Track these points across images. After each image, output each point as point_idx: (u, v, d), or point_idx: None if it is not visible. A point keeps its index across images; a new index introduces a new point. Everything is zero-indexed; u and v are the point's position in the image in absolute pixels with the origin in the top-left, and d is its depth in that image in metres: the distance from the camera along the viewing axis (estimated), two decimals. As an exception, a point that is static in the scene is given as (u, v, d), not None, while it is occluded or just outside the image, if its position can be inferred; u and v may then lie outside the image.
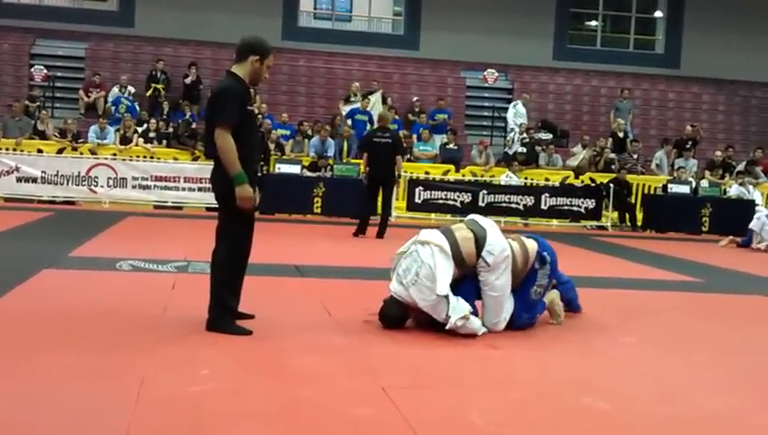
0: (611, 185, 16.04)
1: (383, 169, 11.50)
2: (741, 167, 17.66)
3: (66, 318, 5.24)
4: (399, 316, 5.34)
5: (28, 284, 6.40)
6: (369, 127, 16.11)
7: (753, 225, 13.49)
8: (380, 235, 11.48)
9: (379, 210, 12.04)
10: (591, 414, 3.80)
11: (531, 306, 5.60)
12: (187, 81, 18.24)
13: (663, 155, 18.00)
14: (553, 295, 5.91)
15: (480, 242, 5.33)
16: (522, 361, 4.86)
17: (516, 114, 18.82)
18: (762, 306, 7.54)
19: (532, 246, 5.60)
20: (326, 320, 5.66)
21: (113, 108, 17.70)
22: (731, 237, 13.80)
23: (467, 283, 5.38)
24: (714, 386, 4.50)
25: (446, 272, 5.15)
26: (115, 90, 18.24)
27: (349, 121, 17.68)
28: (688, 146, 18.13)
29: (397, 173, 11.70)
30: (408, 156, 16.92)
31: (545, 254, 5.61)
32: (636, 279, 8.78)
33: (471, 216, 5.74)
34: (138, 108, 17.78)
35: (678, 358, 5.13)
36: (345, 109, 18.24)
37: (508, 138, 18.94)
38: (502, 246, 5.37)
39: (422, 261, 5.17)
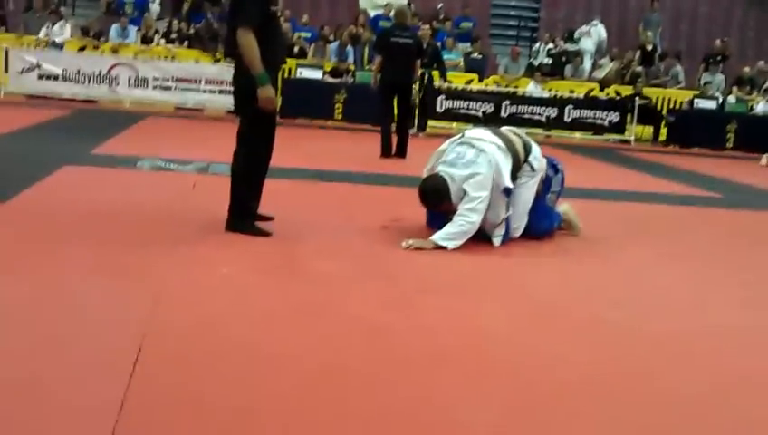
0: (636, 98, 15.82)
1: (401, 75, 9.95)
2: (769, 84, 17.35)
3: (86, 215, 5.27)
4: (439, 191, 5.05)
5: (49, 180, 6.44)
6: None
7: None
8: (402, 153, 10.01)
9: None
10: (604, 325, 3.82)
11: (548, 213, 5.65)
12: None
13: (680, 69, 17.68)
14: (566, 207, 5.92)
15: (527, 147, 5.37)
16: (537, 270, 4.87)
17: (599, 38, 18.38)
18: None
19: (543, 160, 5.61)
20: (345, 224, 5.68)
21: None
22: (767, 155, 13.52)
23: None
24: (728, 302, 4.49)
25: (506, 167, 5.09)
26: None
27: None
28: (712, 60, 17.80)
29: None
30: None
31: (556, 163, 5.72)
32: (654, 193, 8.73)
33: (507, 127, 5.69)
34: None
35: (693, 272, 5.13)
36: (370, 13, 17.78)
37: (534, 48, 18.62)
38: (542, 155, 5.48)
39: (482, 150, 5.08)
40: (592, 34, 18.51)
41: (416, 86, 11.55)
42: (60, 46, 15.37)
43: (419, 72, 11.08)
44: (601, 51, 18.49)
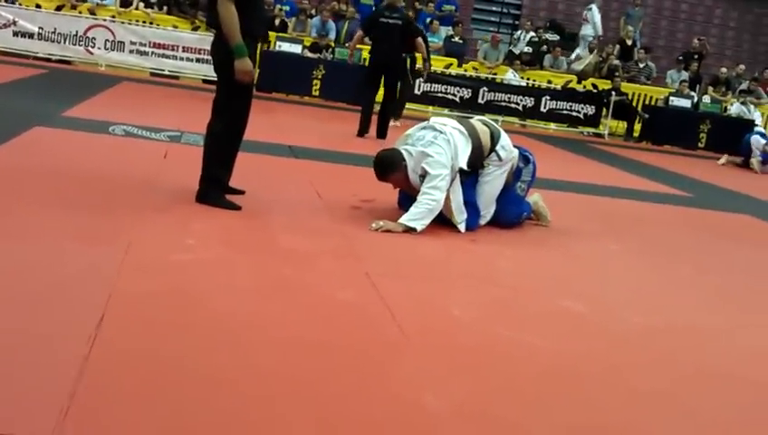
0: (613, 93, 15.90)
1: (389, 55, 9.99)
2: (744, 85, 17.50)
3: (55, 177, 5.22)
4: (392, 160, 5.18)
5: (19, 140, 6.36)
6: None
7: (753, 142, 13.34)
8: (382, 134, 9.98)
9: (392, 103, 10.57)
10: (568, 316, 3.86)
11: (516, 201, 5.69)
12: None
13: (653, 65, 17.83)
14: (536, 197, 5.97)
15: (495, 137, 5.40)
16: (503, 258, 4.90)
17: (593, 22, 18.28)
18: (747, 225, 7.60)
19: (513, 150, 5.64)
20: (315, 202, 5.68)
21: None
22: (726, 155, 13.75)
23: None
24: (694, 301, 4.55)
25: (464, 150, 5.16)
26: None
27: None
28: (680, 58, 17.98)
29: (424, 60, 11.14)
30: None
31: (527, 154, 5.76)
32: (625, 188, 8.80)
33: (477, 117, 5.74)
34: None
35: (661, 270, 5.19)
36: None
37: (515, 35, 18.62)
38: (511, 146, 5.51)
39: (441, 132, 5.18)
40: (589, 19, 18.50)
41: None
42: (12, 1, 15.06)
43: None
44: (597, 32, 18.42)
